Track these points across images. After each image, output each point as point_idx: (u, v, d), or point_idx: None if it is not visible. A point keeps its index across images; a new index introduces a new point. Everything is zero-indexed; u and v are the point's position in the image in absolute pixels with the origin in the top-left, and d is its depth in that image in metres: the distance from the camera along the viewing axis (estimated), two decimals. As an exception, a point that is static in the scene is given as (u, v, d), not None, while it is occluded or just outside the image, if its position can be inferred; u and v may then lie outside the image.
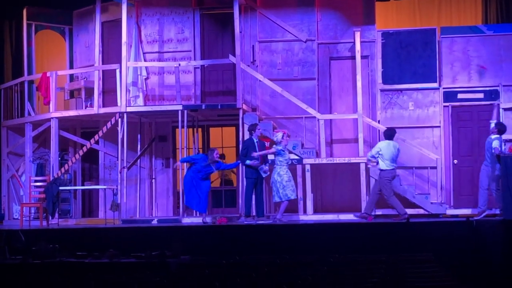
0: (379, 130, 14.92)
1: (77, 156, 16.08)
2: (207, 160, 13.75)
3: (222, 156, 15.97)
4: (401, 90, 15.34)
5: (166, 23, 16.20)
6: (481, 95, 15.11)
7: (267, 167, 13.73)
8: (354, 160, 14.52)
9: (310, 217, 14.33)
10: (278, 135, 13.65)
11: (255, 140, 13.82)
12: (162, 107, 15.39)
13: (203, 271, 8.60)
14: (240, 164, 14.12)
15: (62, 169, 15.78)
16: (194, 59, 15.93)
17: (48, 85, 15.93)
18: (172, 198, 16.32)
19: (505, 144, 13.47)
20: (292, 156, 14.44)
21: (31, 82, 16.85)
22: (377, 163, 13.54)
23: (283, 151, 13.55)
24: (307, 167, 14.58)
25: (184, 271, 9.23)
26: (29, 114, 16.55)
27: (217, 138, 16.56)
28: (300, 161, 14.60)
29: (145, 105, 15.84)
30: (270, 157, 13.84)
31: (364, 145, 14.81)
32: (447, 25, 16.01)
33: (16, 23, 17.81)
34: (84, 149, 15.83)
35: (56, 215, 14.92)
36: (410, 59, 15.32)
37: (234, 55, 14.99)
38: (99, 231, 13.13)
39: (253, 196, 13.77)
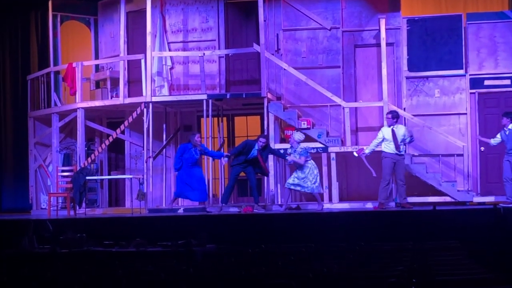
0: (404, 118, 14.83)
1: (103, 146, 16.18)
2: (191, 145, 14.09)
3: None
4: (427, 77, 15.24)
5: (190, 12, 16.21)
6: (508, 82, 14.98)
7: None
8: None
9: (335, 205, 14.31)
10: (295, 137, 13.83)
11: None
12: (187, 97, 15.42)
13: (229, 259, 8.61)
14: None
15: (89, 159, 15.89)
16: (219, 48, 15.92)
17: (74, 75, 16.03)
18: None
19: None
20: (317, 145, 14.47)
21: (57, 73, 16.97)
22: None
23: (296, 150, 13.69)
24: (332, 155, 14.54)
25: (210, 259, 9.25)
26: (55, 104, 16.67)
27: (242, 127, 16.57)
28: (325, 149, 14.57)
29: (170, 94, 15.88)
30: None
31: (390, 133, 14.70)
32: (473, 11, 15.84)
33: (42, 14, 17.92)
34: (110, 139, 15.91)
35: (83, 204, 15.05)
36: (435, 46, 15.20)
37: (258, 44, 14.97)
38: (126, 220, 13.20)
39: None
